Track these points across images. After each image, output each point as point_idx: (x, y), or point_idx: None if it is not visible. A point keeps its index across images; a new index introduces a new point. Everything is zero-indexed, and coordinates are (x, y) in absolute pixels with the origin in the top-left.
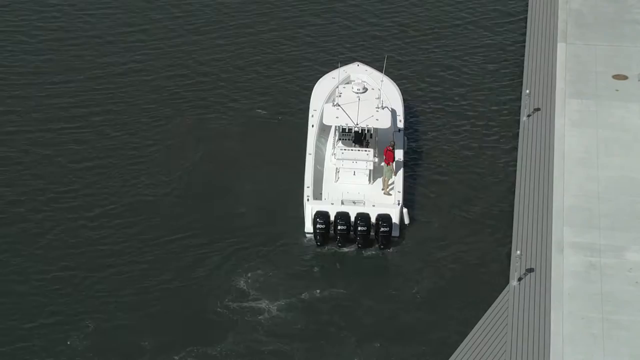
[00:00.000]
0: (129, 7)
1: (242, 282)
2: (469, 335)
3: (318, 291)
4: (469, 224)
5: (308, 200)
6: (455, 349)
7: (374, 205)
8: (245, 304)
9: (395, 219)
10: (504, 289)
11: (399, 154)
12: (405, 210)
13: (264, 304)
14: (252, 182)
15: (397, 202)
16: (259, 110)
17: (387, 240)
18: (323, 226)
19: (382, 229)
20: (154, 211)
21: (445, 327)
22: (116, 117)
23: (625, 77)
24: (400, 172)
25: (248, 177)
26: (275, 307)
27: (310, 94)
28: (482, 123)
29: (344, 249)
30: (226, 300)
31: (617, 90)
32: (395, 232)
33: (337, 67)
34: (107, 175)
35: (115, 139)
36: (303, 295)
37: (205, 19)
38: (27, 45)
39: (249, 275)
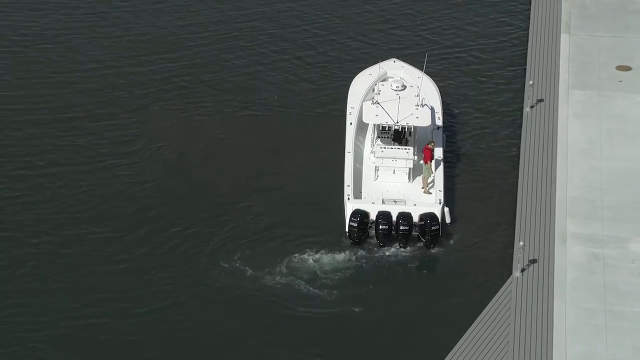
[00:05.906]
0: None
1: (280, 278)
2: (471, 327)
3: (355, 291)
4: (470, 214)
5: (349, 199)
6: (458, 340)
7: (415, 205)
8: (282, 301)
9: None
10: (506, 280)
11: (438, 153)
12: (447, 209)
13: (300, 302)
14: (289, 181)
15: (438, 201)
16: (293, 108)
17: (437, 239)
18: (355, 225)
19: (433, 228)
20: (173, 209)
21: (447, 319)
22: (119, 110)
23: (629, 69)
24: (441, 171)
25: (286, 176)
26: (314, 305)
27: (347, 90)
28: (484, 114)
29: (385, 248)
30: (260, 295)
31: (620, 82)
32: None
33: (374, 64)
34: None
35: (118, 136)
36: (343, 294)
37: (236, 11)
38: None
39: (287, 272)
